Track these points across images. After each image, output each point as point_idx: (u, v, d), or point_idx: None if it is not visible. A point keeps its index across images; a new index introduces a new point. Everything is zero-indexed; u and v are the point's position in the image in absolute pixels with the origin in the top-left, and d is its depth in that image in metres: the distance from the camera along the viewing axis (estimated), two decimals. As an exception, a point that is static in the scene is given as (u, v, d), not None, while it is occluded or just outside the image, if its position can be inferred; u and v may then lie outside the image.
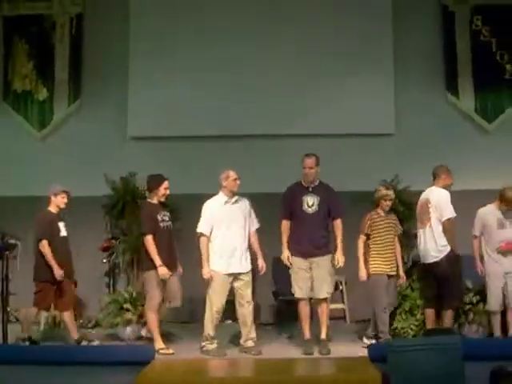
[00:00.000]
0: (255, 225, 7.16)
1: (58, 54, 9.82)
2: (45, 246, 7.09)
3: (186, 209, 8.02)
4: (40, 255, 7.12)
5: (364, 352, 6.14)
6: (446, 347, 4.85)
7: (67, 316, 7.24)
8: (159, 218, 7.05)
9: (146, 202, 7.30)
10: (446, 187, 7.09)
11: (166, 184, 7.14)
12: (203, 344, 6.88)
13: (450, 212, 6.91)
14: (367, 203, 8.09)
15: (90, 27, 9.86)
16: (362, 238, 7.20)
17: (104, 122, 9.67)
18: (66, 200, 7.33)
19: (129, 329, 7.56)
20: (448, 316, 6.97)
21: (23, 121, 9.80)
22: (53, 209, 7.34)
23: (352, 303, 8.68)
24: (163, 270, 6.81)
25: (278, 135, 9.48)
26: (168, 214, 7.24)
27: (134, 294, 7.74)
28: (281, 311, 8.64)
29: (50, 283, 7.08)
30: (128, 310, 7.61)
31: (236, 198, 7.09)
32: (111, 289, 8.85)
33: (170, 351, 6.87)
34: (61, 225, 7.31)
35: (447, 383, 4.76)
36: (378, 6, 9.68)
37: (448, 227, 6.88)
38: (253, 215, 7.16)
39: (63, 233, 7.31)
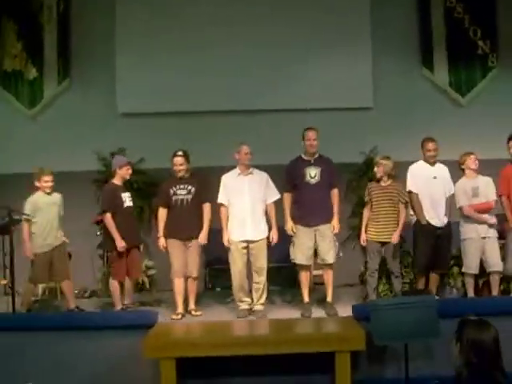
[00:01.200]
0: (273, 197, 7.51)
1: (47, 34, 9.99)
2: (108, 217, 7.46)
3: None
4: (105, 226, 7.54)
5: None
6: (421, 305, 5.34)
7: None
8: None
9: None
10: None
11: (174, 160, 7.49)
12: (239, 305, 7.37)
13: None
14: (347, 174, 8.60)
15: (77, 7, 10.03)
16: (366, 206, 7.56)
17: (94, 100, 9.91)
18: (130, 171, 7.71)
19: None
20: (434, 280, 7.53)
21: (13, 99, 10.01)
22: (117, 181, 7.69)
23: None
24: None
25: (257, 110, 9.78)
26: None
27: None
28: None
29: (117, 253, 7.45)
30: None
31: (251, 170, 7.50)
32: (105, 260, 9.21)
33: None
34: (125, 195, 7.62)
35: (423, 337, 5.27)
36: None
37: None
38: (271, 187, 7.52)
39: (127, 203, 7.62)
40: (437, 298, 6.86)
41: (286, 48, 9.81)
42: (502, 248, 7.60)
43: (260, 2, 9.86)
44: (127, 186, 7.91)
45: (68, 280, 7.63)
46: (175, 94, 9.73)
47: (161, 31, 9.85)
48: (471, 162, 7.51)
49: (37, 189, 7.65)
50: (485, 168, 7.74)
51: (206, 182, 7.61)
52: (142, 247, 7.92)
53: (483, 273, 7.47)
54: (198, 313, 7.41)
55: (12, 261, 6.96)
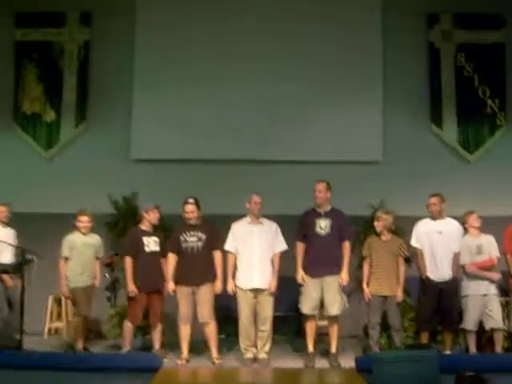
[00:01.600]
0: (280, 247, 7.61)
1: (66, 78, 10.33)
2: (126, 261, 7.65)
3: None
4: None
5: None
6: (424, 360, 5.43)
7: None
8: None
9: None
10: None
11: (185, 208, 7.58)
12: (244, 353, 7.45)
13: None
14: (355, 226, 8.71)
15: (97, 54, 10.40)
16: (365, 260, 7.70)
17: (109, 144, 10.18)
18: (157, 215, 7.80)
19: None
20: (446, 338, 7.59)
21: (31, 141, 10.28)
22: (143, 225, 7.82)
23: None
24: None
25: (270, 161, 10.01)
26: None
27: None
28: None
29: (134, 298, 7.58)
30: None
31: (261, 220, 7.65)
32: (112, 302, 9.31)
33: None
34: (149, 240, 7.73)
35: (424, 391, 5.36)
36: (369, 40, 10.25)
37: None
38: (279, 238, 7.64)
39: (151, 248, 7.72)
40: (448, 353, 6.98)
41: (300, 100, 10.10)
42: (506, 305, 7.69)
43: (278, 57, 10.13)
44: (156, 230, 7.94)
45: (86, 320, 7.80)
46: (189, 141, 9.99)
47: (177, 83, 10.16)
48: (474, 220, 7.62)
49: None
50: (490, 225, 7.84)
51: (218, 230, 7.69)
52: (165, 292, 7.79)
53: (484, 330, 7.52)
54: (221, 361, 7.45)
55: (22, 300, 7.05)
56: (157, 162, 10.05)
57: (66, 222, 8.15)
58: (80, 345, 7.70)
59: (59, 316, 9.15)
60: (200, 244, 7.53)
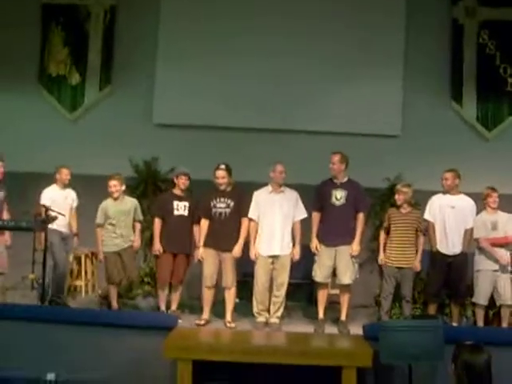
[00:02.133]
0: (300, 215, 7.76)
1: (92, 42, 10.50)
2: (155, 222, 7.94)
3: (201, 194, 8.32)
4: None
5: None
6: (429, 329, 5.58)
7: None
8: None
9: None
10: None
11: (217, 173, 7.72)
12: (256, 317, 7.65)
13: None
14: (371, 198, 8.84)
15: (123, 19, 10.54)
16: (384, 230, 7.86)
17: (132, 108, 10.36)
18: (183, 181, 7.95)
19: (147, 300, 8.25)
20: (454, 311, 7.76)
21: (56, 103, 10.49)
22: (176, 190, 8.01)
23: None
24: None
25: (289, 130, 10.15)
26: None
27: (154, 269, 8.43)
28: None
29: (162, 257, 7.86)
30: (148, 282, 8.36)
31: (283, 188, 7.78)
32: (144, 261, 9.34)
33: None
34: (179, 204, 7.91)
35: (427, 359, 5.52)
36: (392, 17, 10.29)
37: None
38: (300, 206, 7.79)
39: (180, 212, 7.90)
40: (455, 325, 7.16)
41: (323, 74, 10.21)
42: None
43: (301, 31, 10.24)
44: (189, 196, 8.10)
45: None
46: (210, 108, 10.16)
47: (200, 53, 10.28)
48: (492, 201, 7.67)
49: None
50: (508, 202, 7.96)
51: (246, 197, 7.79)
52: (194, 257, 7.94)
53: (494, 304, 7.67)
54: (233, 325, 7.62)
55: (45, 257, 7.28)
56: (178, 128, 10.23)
57: (90, 184, 8.47)
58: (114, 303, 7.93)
59: (79, 274, 9.37)
60: (228, 210, 7.67)
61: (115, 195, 8.00)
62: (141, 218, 8.18)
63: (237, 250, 7.63)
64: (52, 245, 7.93)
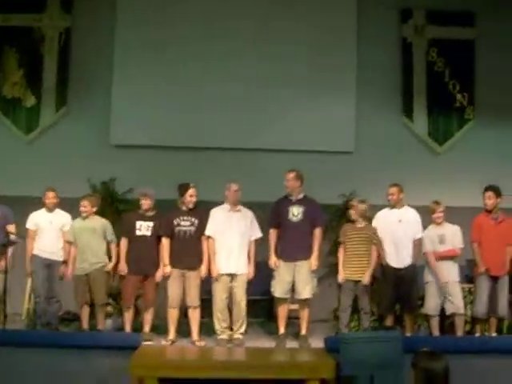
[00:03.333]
0: (255, 235, 7.92)
1: (47, 64, 10.44)
2: (121, 243, 7.95)
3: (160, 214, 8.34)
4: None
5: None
6: (387, 340, 5.77)
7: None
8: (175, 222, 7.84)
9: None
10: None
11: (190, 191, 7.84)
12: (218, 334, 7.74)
13: None
14: (327, 214, 9.01)
15: (78, 40, 10.50)
16: (341, 246, 7.99)
17: (88, 129, 10.35)
18: (143, 202, 7.94)
19: (109, 321, 8.25)
20: (407, 321, 7.90)
21: (11, 125, 10.41)
22: (140, 210, 8.00)
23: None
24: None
25: (247, 149, 10.26)
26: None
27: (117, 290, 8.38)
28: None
29: (126, 278, 7.86)
30: (109, 304, 8.31)
31: (239, 207, 7.93)
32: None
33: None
34: (142, 224, 7.90)
35: (387, 369, 5.68)
36: (343, 34, 10.53)
37: None
38: (255, 226, 7.94)
39: (141, 232, 7.89)
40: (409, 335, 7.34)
41: (277, 92, 10.32)
42: (470, 292, 8.09)
43: (255, 51, 10.41)
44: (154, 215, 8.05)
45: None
46: (167, 128, 10.25)
47: (156, 69, 10.35)
48: (436, 216, 7.89)
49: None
50: (455, 215, 8.17)
51: (209, 216, 7.91)
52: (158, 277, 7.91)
53: (449, 315, 7.89)
54: (202, 343, 7.71)
55: (5, 279, 7.27)
56: (136, 148, 10.26)
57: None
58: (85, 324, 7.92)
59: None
60: (193, 228, 7.78)
61: (84, 215, 8.06)
62: (113, 238, 8.12)
63: (203, 270, 7.73)
64: (33, 271, 8.04)
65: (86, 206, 8.03)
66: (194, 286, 7.72)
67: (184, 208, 7.85)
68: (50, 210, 8.29)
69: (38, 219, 8.24)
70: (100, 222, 8.13)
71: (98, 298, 7.91)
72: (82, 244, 7.97)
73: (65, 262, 8.16)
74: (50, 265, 8.11)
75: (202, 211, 7.91)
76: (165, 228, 7.83)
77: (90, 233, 8.00)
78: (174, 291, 7.72)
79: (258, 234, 7.96)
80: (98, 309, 7.93)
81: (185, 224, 7.79)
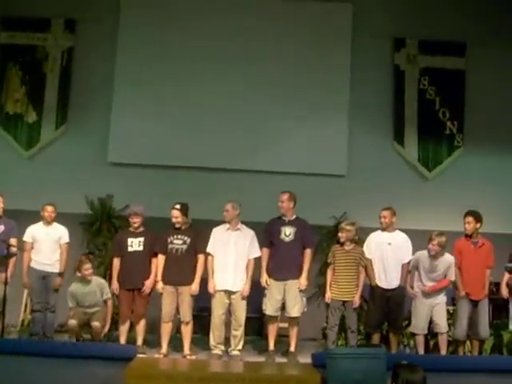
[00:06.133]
0: (254, 254, 8.11)
1: (49, 82, 10.72)
2: (113, 262, 8.22)
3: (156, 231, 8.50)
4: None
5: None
6: (373, 356, 5.99)
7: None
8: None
9: None
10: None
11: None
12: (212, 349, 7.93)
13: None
14: (318, 236, 9.27)
15: (80, 60, 10.79)
16: (330, 267, 8.17)
17: (87, 147, 10.60)
18: (134, 220, 8.19)
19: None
20: (392, 340, 8.12)
21: (12, 140, 10.64)
22: (131, 227, 8.27)
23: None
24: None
25: (241, 170, 10.51)
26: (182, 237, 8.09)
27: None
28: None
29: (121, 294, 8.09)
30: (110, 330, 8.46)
31: (239, 226, 8.17)
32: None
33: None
34: (133, 241, 8.15)
35: (372, 384, 5.92)
36: (338, 61, 10.81)
37: None
38: (255, 245, 8.14)
39: (133, 248, 8.13)
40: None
41: (272, 116, 10.63)
42: (453, 314, 8.30)
43: (251, 72, 10.69)
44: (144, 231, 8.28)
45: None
46: (165, 147, 10.50)
47: (154, 90, 10.64)
48: (430, 248, 7.96)
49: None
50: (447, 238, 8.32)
51: (202, 235, 8.15)
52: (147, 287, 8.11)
53: (434, 335, 8.13)
54: (193, 357, 7.91)
55: (5, 290, 7.49)
56: (133, 166, 10.50)
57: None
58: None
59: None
60: (185, 247, 8.01)
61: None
62: (109, 296, 8.30)
63: (194, 287, 7.93)
64: (29, 283, 8.28)
65: (88, 268, 8.22)
66: (186, 301, 7.93)
67: (175, 224, 8.08)
68: (48, 223, 8.52)
69: (34, 232, 8.48)
70: (97, 283, 8.34)
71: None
72: (84, 304, 8.20)
73: (60, 274, 8.40)
74: (45, 276, 8.35)
75: (194, 230, 8.16)
76: (160, 245, 8.07)
77: (91, 295, 8.21)
78: (166, 306, 7.93)
79: (257, 253, 8.15)
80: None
81: (177, 242, 8.02)
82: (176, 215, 8.05)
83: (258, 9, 10.83)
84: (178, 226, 8.06)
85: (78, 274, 8.21)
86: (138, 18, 10.81)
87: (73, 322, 7.92)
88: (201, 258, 8.05)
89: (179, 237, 8.05)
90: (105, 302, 8.26)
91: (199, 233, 8.16)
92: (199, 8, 10.80)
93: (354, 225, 8.26)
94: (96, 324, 7.95)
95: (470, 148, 10.82)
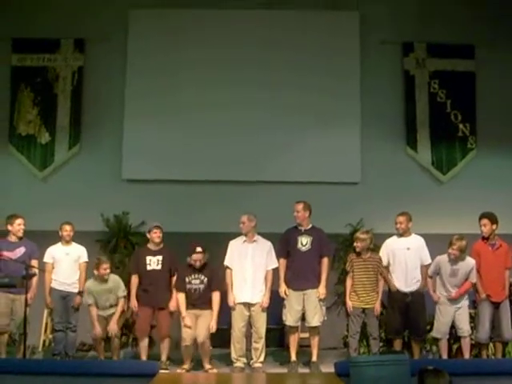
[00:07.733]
0: (271, 265, 8.17)
1: (60, 102, 10.75)
2: (131, 279, 8.27)
3: (173, 247, 8.62)
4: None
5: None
6: (396, 363, 5.95)
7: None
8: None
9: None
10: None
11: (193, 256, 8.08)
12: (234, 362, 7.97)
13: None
14: (335, 244, 9.27)
15: (90, 79, 10.82)
16: (348, 275, 8.20)
17: (101, 165, 10.64)
18: (156, 235, 8.28)
19: (123, 350, 8.55)
20: (414, 348, 8.11)
21: (26, 161, 10.68)
22: (149, 244, 8.37)
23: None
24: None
25: (255, 181, 10.50)
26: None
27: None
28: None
29: (139, 311, 8.15)
30: (124, 334, 8.59)
31: (256, 238, 8.22)
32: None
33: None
34: (151, 259, 8.25)
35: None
36: (348, 67, 10.80)
37: None
38: (272, 256, 8.20)
39: (151, 266, 8.24)
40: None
41: (285, 126, 10.61)
42: (474, 317, 8.26)
43: (262, 84, 10.66)
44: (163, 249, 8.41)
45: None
46: (178, 162, 10.51)
47: (168, 105, 10.66)
48: (450, 252, 7.98)
49: None
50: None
51: (218, 273, 8.23)
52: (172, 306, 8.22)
53: (457, 339, 8.11)
54: (214, 370, 7.95)
55: (25, 310, 7.54)
56: (147, 182, 10.51)
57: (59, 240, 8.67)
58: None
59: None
60: (202, 286, 8.07)
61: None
62: (124, 294, 8.34)
63: (212, 324, 7.93)
64: (51, 303, 8.42)
65: (106, 268, 8.24)
66: (204, 326, 7.93)
67: (195, 265, 8.10)
68: (67, 242, 8.59)
69: (54, 252, 8.57)
70: (112, 280, 8.38)
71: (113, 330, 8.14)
72: (100, 303, 8.25)
73: (79, 293, 8.46)
74: (66, 296, 8.43)
75: (211, 269, 8.20)
76: (180, 285, 8.11)
77: (107, 292, 8.26)
78: (188, 333, 7.92)
79: (274, 265, 8.19)
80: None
81: (195, 282, 8.08)
82: (200, 258, 8.07)
83: (267, 19, 10.87)
84: (198, 266, 8.08)
85: (96, 273, 8.24)
86: (146, 35, 10.83)
87: (98, 331, 7.97)
88: (216, 295, 8.08)
89: (196, 276, 8.10)
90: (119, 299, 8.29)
91: (215, 271, 8.22)
92: (207, 20, 10.84)
93: (369, 233, 8.29)
94: (113, 328, 7.99)
95: (484, 150, 10.78)
